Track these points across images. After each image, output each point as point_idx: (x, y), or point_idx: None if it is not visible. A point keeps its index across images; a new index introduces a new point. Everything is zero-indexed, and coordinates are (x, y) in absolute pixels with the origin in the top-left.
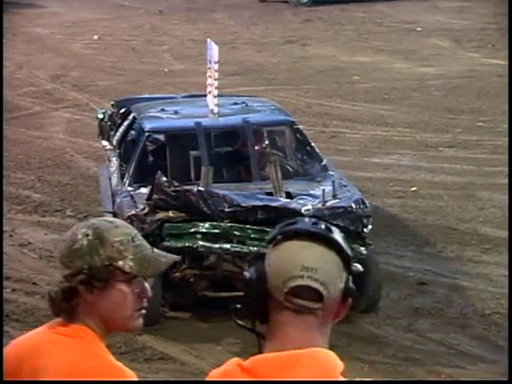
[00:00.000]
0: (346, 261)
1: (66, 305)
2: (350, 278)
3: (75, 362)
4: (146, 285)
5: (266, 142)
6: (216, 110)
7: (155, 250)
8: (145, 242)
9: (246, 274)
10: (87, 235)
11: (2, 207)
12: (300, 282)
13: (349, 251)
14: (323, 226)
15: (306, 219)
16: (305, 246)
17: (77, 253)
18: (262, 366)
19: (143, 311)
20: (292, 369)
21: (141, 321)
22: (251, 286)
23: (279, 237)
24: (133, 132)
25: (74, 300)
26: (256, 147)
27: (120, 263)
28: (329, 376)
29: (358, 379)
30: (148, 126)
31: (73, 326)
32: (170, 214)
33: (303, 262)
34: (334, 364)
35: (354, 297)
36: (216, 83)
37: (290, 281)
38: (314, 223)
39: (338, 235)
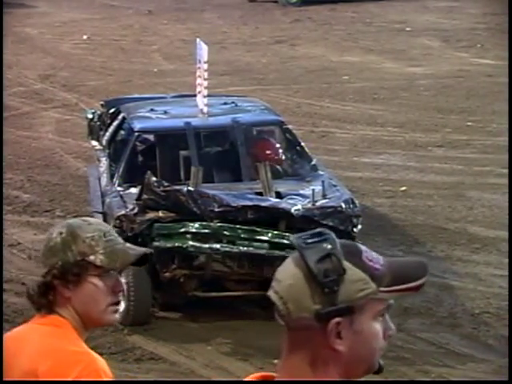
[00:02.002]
0: (318, 282)
1: (44, 300)
2: (333, 301)
3: (48, 344)
4: (120, 279)
5: (280, 151)
6: (206, 109)
7: (127, 244)
8: (118, 238)
9: None
10: (61, 233)
11: (2, 207)
12: (268, 292)
13: (320, 272)
14: (308, 240)
15: (317, 230)
16: (286, 260)
17: (52, 250)
18: None
19: (118, 306)
20: None
21: (116, 316)
22: None
23: None
24: (122, 132)
25: (50, 295)
26: (272, 155)
27: (91, 258)
28: None
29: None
30: (138, 125)
31: (49, 317)
32: (160, 214)
33: (276, 272)
34: None
35: (328, 322)
36: (206, 83)
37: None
38: (312, 235)
39: (312, 252)
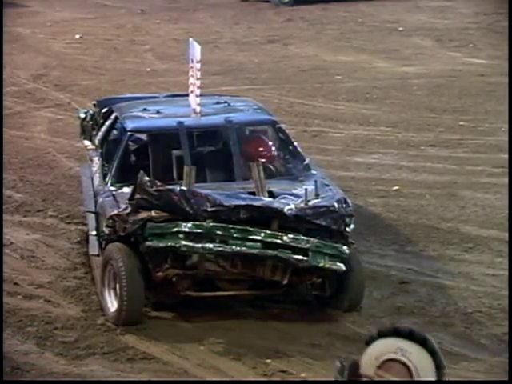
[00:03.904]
0: (438, 366)
1: None
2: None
3: None
4: None
5: (273, 149)
6: (198, 109)
7: None
8: None
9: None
10: None
11: (2, 208)
12: (393, 355)
13: (442, 360)
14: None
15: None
16: (402, 340)
17: None
18: None
19: None
20: None
21: None
22: (341, 374)
23: (376, 336)
24: (115, 132)
25: None
26: (264, 153)
27: None
28: None
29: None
30: (130, 125)
31: None
32: (153, 213)
33: (399, 345)
34: None
35: None
36: (198, 83)
37: (381, 356)
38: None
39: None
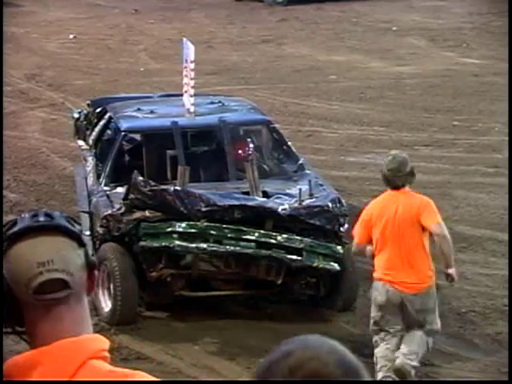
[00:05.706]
0: (77, 238)
1: None
2: (88, 250)
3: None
4: None
5: (250, 147)
6: (192, 109)
7: None
8: None
9: None
10: None
11: (2, 206)
12: (40, 279)
13: (75, 229)
14: (42, 217)
15: (26, 215)
16: (32, 244)
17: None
18: (10, 368)
19: None
20: (32, 370)
21: None
22: None
23: (5, 245)
24: (109, 131)
25: None
26: (241, 152)
27: None
28: (69, 367)
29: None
30: (124, 125)
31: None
32: (147, 213)
33: (36, 258)
34: (80, 351)
35: (96, 266)
36: (192, 82)
37: (30, 282)
38: (33, 215)
39: (59, 219)
